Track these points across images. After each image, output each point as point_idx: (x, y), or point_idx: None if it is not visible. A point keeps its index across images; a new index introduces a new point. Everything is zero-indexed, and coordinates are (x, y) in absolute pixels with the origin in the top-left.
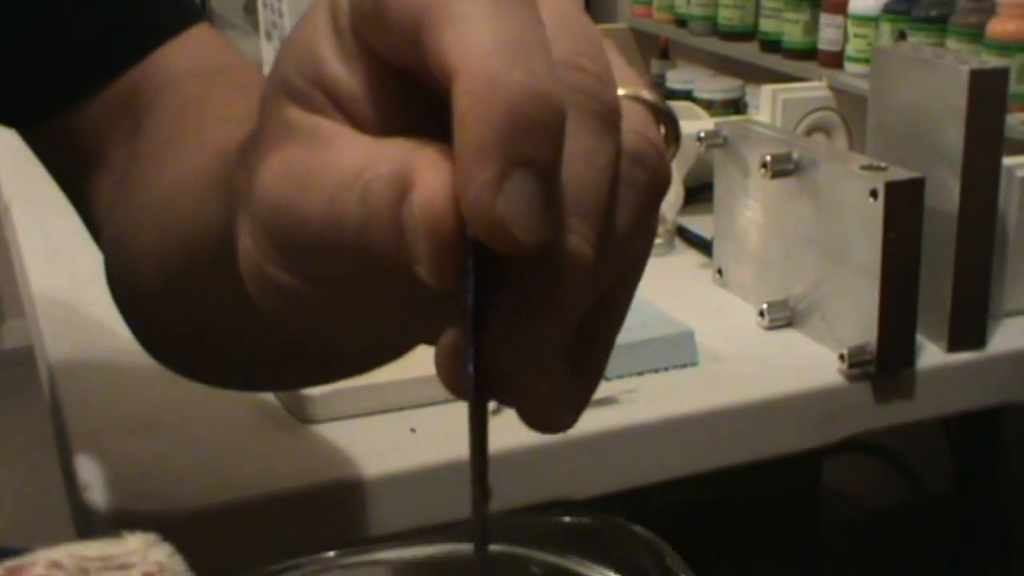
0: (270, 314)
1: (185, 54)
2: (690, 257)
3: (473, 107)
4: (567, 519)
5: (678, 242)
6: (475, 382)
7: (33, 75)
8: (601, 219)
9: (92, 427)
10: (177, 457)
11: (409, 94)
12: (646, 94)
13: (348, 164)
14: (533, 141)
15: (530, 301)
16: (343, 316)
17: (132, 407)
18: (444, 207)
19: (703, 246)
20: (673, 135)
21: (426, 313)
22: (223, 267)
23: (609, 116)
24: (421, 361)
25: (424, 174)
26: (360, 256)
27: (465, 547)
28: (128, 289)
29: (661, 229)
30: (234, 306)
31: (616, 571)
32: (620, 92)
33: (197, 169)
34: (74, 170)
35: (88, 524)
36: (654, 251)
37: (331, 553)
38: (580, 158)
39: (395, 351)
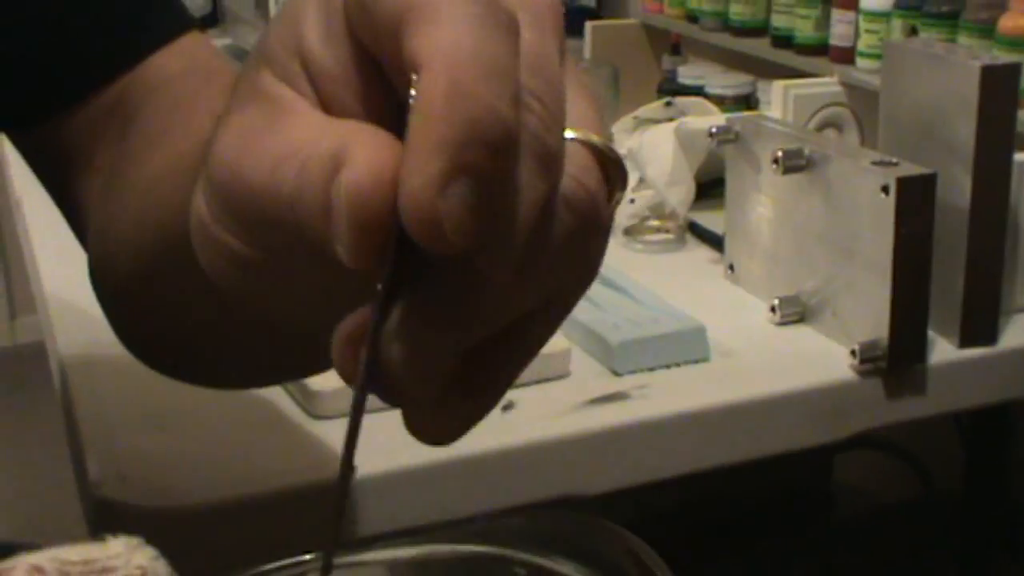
0: (217, 280)
1: (176, 60)
2: (701, 253)
3: (437, 104)
4: (547, 519)
5: (689, 238)
6: (364, 371)
7: (23, 81)
8: (519, 252)
9: (103, 423)
10: (188, 453)
11: (381, 87)
12: (594, 139)
13: (295, 136)
14: (485, 155)
15: (431, 308)
16: (287, 292)
17: (143, 403)
18: (369, 190)
19: (714, 242)
20: (621, 180)
21: (355, 299)
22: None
23: (546, 158)
24: None
25: (357, 155)
26: (292, 228)
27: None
28: (108, 282)
29: (672, 224)
30: (204, 293)
31: (598, 571)
32: (569, 135)
33: (179, 158)
34: (62, 173)
35: (100, 520)
36: (664, 248)
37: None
38: (513, 191)
39: None
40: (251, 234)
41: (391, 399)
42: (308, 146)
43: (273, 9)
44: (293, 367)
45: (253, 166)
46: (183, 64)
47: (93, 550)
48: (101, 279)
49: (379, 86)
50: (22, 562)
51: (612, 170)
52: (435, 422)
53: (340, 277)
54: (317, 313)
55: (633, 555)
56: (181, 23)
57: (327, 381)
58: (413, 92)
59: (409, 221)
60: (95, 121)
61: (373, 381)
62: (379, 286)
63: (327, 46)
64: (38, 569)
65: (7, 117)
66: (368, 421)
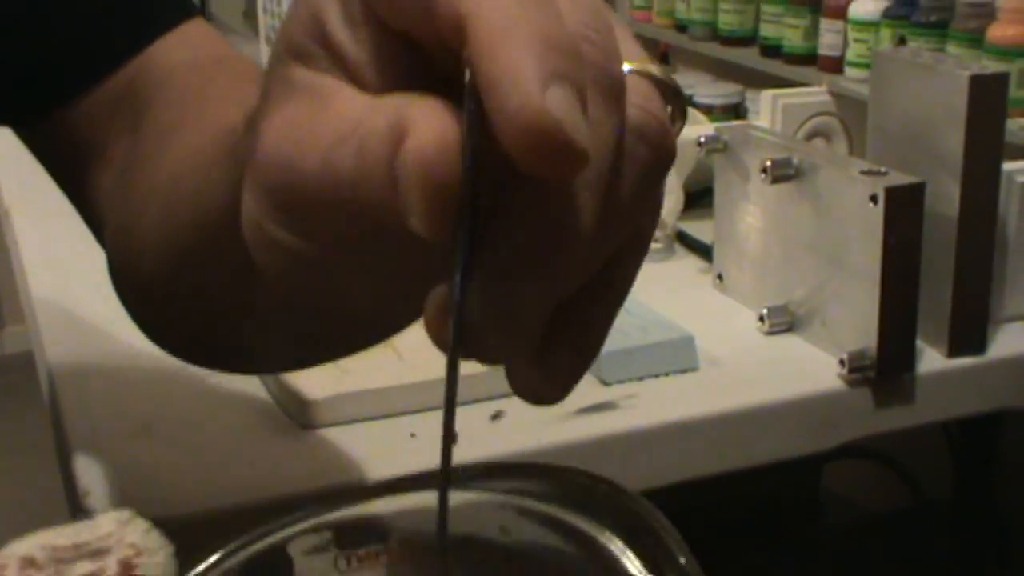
0: (272, 276)
1: (182, 48)
2: (690, 262)
3: (496, 37)
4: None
5: (678, 247)
6: (454, 338)
7: (29, 72)
8: (601, 189)
9: (92, 432)
10: (177, 462)
11: (410, 62)
12: (653, 69)
13: (345, 119)
14: (565, 60)
15: (517, 263)
16: (344, 278)
17: (132, 412)
18: (437, 155)
19: (703, 251)
20: (679, 110)
21: (424, 276)
22: (229, 240)
23: (613, 89)
24: (421, 366)
25: (418, 123)
26: (355, 212)
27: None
28: (132, 277)
29: (661, 234)
30: (240, 281)
31: (607, 527)
32: (626, 67)
33: (201, 149)
34: (73, 167)
35: None
36: (653, 257)
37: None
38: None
39: (401, 318)
40: (309, 228)
41: (487, 360)
42: (363, 125)
43: (262, 19)
44: (333, 348)
45: (307, 158)
46: (190, 52)
47: (82, 531)
48: (123, 275)
49: (408, 64)
50: (12, 557)
51: (671, 99)
52: (536, 380)
53: (400, 259)
54: (371, 297)
55: (641, 516)
56: (184, 10)
57: (316, 390)
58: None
59: (519, 137)
60: (103, 112)
61: (467, 345)
62: (458, 250)
63: (351, 31)
64: (30, 561)
65: (13, 110)
66: (366, 428)
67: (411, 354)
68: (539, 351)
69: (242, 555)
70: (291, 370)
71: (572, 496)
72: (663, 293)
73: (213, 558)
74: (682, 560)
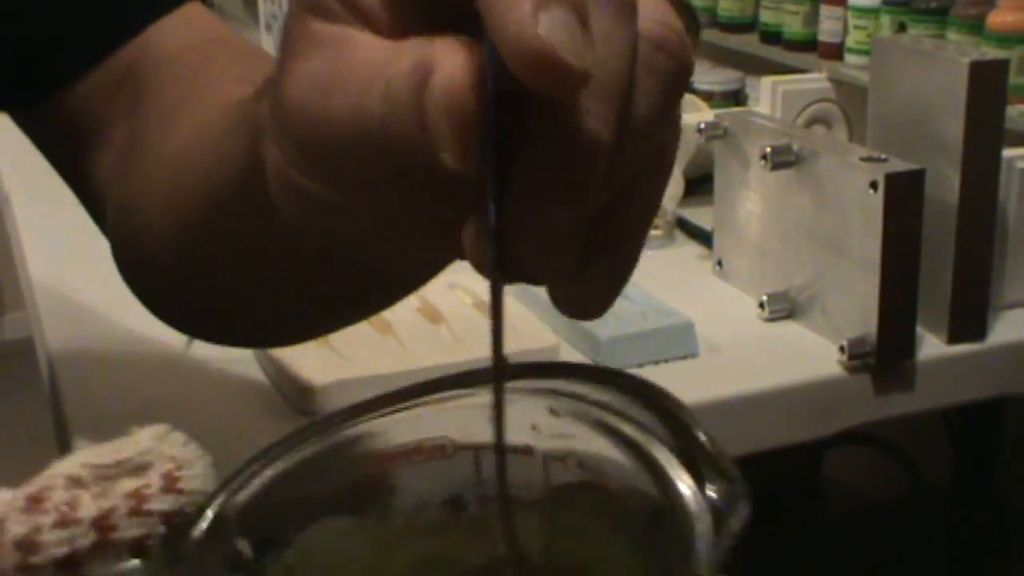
0: (300, 229)
1: (181, 29)
2: (690, 249)
3: None
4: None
5: (678, 233)
6: (494, 263)
7: (25, 57)
8: (620, 102)
9: (92, 418)
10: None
11: (423, 4)
12: None
13: (370, 64)
14: None
15: (545, 183)
16: (370, 226)
17: (132, 398)
18: (464, 85)
19: (703, 238)
20: (693, 27)
21: (449, 220)
22: (238, 210)
23: (623, 2)
24: (421, 353)
25: (442, 59)
26: (384, 155)
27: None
28: (137, 255)
29: (660, 221)
30: (249, 249)
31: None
32: None
33: (207, 124)
34: (71, 150)
35: None
36: (653, 244)
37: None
38: (598, 42)
39: (424, 269)
40: (338, 175)
41: (529, 279)
42: (388, 67)
43: (262, 6)
44: (354, 308)
45: (335, 105)
46: (189, 35)
47: (123, 448)
48: (128, 254)
49: (421, 6)
50: (58, 478)
51: (682, 14)
52: (578, 295)
53: (426, 202)
54: (395, 246)
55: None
56: None
57: (316, 376)
58: None
59: (519, 63)
60: (102, 94)
61: (508, 269)
62: (488, 176)
63: None
64: (75, 480)
65: (10, 94)
66: None
67: (412, 341)
68: (577, 267)
69: (286, 460)
70: (301, 340)
71: (619, 394)
72: (663, 280)
73: (255, 465)
74: (729, 471)
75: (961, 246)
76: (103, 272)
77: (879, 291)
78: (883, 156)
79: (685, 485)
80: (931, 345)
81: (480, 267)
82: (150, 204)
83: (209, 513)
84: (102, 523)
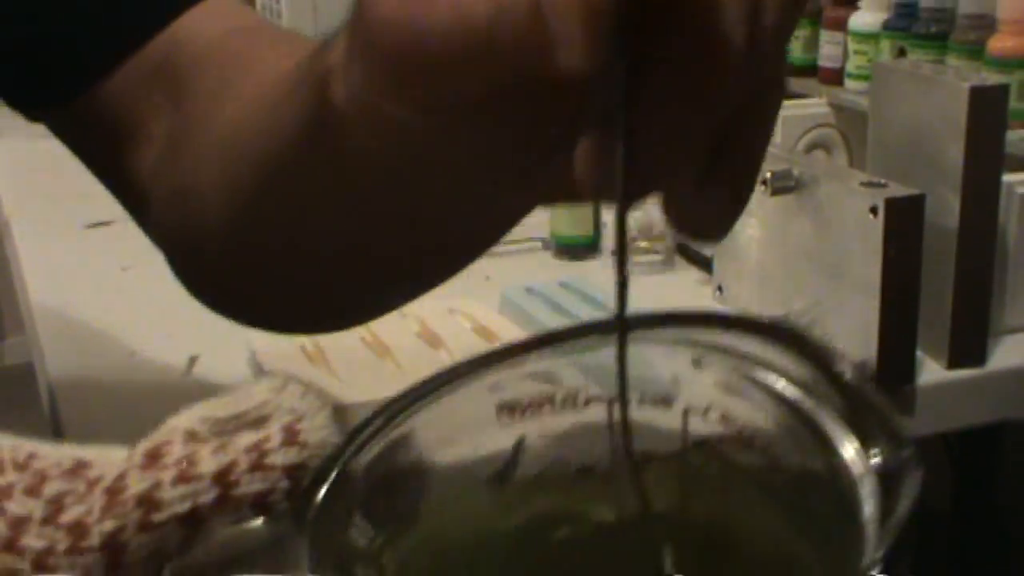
0: (375, 178)
1: (214, 19)
2: (690, 274)
3: None
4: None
5: (678, 259)
6: (625, 173)
7: (53, 55)
8: (749, 15)
9: (93, 443)
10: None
11: None
12: None
13: None
14: None
15: (680, 85)
16: (460, 159)
17: (132, 423)
18: None
19: (703, 263)
20: None
21: (548, 146)
22: (302, 168)
23: None
24: (420, 376)
25: None
26: (489, 63)
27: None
28: (192, 243)
29: (660, 246)
30: (310, 216)
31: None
32: None
33: (261, 95)
34: (107, 150)
35: None
36: (653, 269)
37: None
38: None
39: (497, 223)
40: (432, 96)
41: (651, 190)
42: None
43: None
44: (400, 289)
45: (430, 11)
46: (224, 23)
47: (240, 401)
48: (177, 245)
49: None
50: (177, 432)
51: None
52: (699, 215)
53: (522, 127)
54: (476, 193)
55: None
56: None
57: None
58: None
59: None
60: (137, 88)
61: (634, 183)
62: (617, 83)
63: None
64: (193, 436)
65: (39, 94)
66: None
67: (411, 365)
68: (699, 185)
69: (404, 418)
70: (345, 324)
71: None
72: (663, 305)
73: (378, 421)
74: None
75: (961, 271)
76: (104, 297)
77: (879, 316)
78: (883, 181)
79: (847, 444)
80: (931, 370)
81: (591, 189)
82: (205, 186)
83: (333, 473)
84: (223, 479)
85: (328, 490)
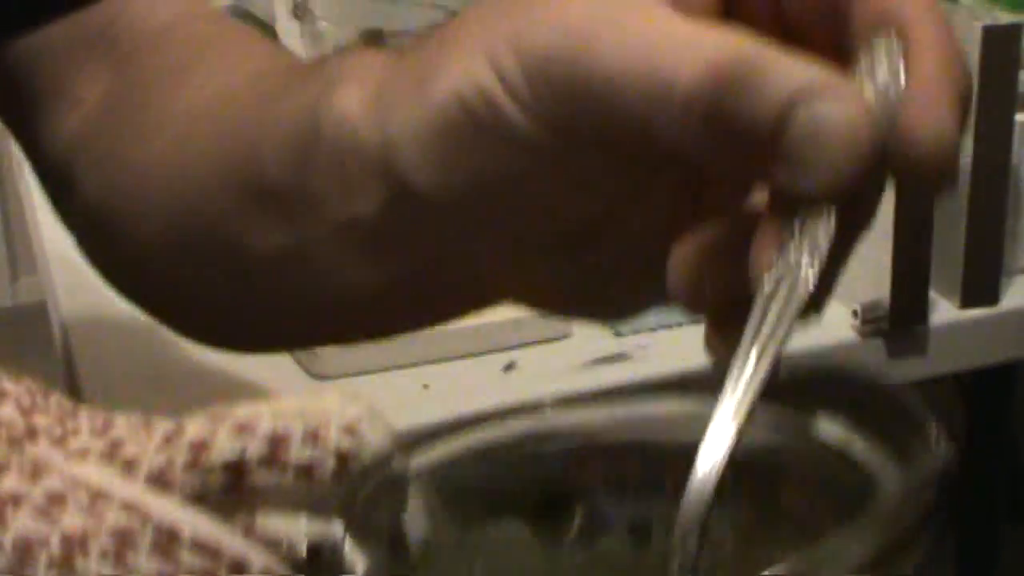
0: (436, 185)
1: (170, 3)
2: None
3: (944, 53)
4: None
5: None
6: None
7: None
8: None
9: (105, 383)
10: (190, 414)
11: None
12: None
13: (682, 32)
14: (965, 106)
15: (861, 220)
16: (547, 194)
17: (145, 363)
18: (864, 125)
19: None
20: None
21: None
22: (283, 186)
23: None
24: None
25: (835, 88)
26: (632, 123)
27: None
28: (120, 222)
29: None
30: (293, 225)
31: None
32: None
33: (234, 87)
34: (27, 105)
35: None
36: None
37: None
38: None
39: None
40: (564, 119)
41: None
42: (715, 46)
43: None
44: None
45: (614, 55)
46: (182, 8)
47: (307, 401)
48: (103, 222)
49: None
50: (265, 413)
51: None
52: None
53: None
54: (512, 248)
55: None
56: None
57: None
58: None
59: (925, 159)
60: (69, 52)
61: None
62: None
63: None
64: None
65: None
66: (378, 379)
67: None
68: None
69: (478, 437)
70: (304, 345)
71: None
72: None
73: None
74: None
75: (974, 211)
76: None
77: (892, 256)
78: None
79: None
80: (944, 310)
81: (690, 301)
82: (153, 156)
83: (383, 474)
84: (276, 439)
85: (373, 489)
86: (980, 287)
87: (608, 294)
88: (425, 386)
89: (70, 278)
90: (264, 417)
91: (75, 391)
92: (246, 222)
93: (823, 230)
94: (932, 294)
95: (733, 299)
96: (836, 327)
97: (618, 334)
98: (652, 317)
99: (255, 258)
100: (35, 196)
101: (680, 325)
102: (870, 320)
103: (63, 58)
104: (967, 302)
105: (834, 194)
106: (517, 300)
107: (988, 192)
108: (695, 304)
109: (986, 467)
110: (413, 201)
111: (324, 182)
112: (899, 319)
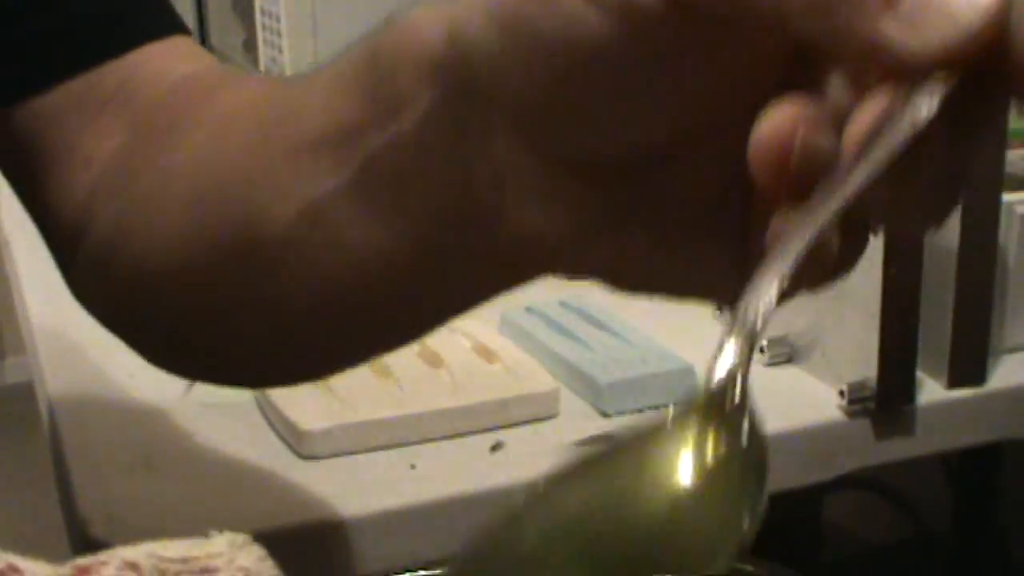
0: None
1: (179, 59)
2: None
3: None
4: None
5: None
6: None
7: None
8: None
9: (92, 463)
10: (177, 493)
11: None
12: None
13: None
14: None
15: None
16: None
17: (132, 443)
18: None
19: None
20: None
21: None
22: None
23: None
24: (421, 397)
25: None
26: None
27: None
28: (138, 279)
29: None
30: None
31: None
32: None
33: (235, 116)
34: (35, 169)
35: None
36: None
37: None
38: None
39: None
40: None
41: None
42: None
43: (262, 51)
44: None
45: None
46: (191, 63)
47: (193, 547)
48: (121, 280)
49: None
50: (116, 557)
51: None
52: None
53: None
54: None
55: None
56: (173, 24)
57: (316, 421)
58: None
59: None
60: (80, 112)
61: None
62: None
63: None
64: (132, 565)
65: None
66: (366, 460)
67: (411, 385)
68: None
69: None
70: (303, 380)
71: None
72: (663, 323)
73: None
74: None
75: (961, 291)
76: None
77: (879, 336)
78: None
79: None
80: (931, 390)
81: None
82: (169, 203)
83: None
84: None
85: None
86: (967, 367)
87: (655, 257)
88: (412, 466)
89: (57, 358)
90: (144, 561)
91: (62, 471)
92: (273, 181)
93: (926, 107)
94: (919, 374)
95: (815, 175)
96: (822, 407)
97: (604, 414)
98: (639, 397)
99: (269, 236)
100: (22, 276)
101: (667, 405)
102: (857, 400)
103: (75, 119)
104: (954, 382)
105: (946, 59)
106: (541, 264)
107: (975, 272)
108: (771, 180)
109: (972, 547)
110: (467, 98)
111: (365, 105)
112: (886, 399)
